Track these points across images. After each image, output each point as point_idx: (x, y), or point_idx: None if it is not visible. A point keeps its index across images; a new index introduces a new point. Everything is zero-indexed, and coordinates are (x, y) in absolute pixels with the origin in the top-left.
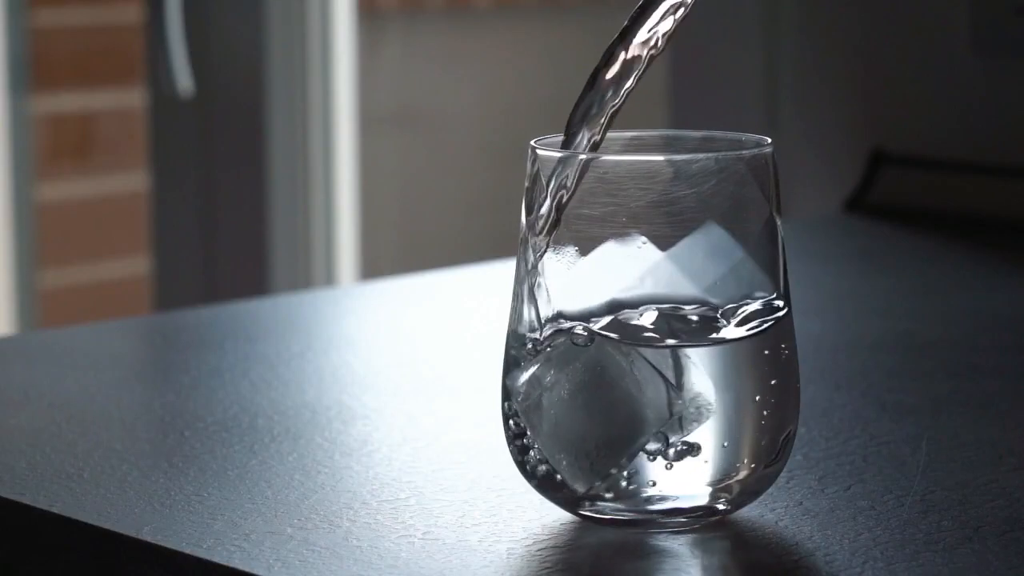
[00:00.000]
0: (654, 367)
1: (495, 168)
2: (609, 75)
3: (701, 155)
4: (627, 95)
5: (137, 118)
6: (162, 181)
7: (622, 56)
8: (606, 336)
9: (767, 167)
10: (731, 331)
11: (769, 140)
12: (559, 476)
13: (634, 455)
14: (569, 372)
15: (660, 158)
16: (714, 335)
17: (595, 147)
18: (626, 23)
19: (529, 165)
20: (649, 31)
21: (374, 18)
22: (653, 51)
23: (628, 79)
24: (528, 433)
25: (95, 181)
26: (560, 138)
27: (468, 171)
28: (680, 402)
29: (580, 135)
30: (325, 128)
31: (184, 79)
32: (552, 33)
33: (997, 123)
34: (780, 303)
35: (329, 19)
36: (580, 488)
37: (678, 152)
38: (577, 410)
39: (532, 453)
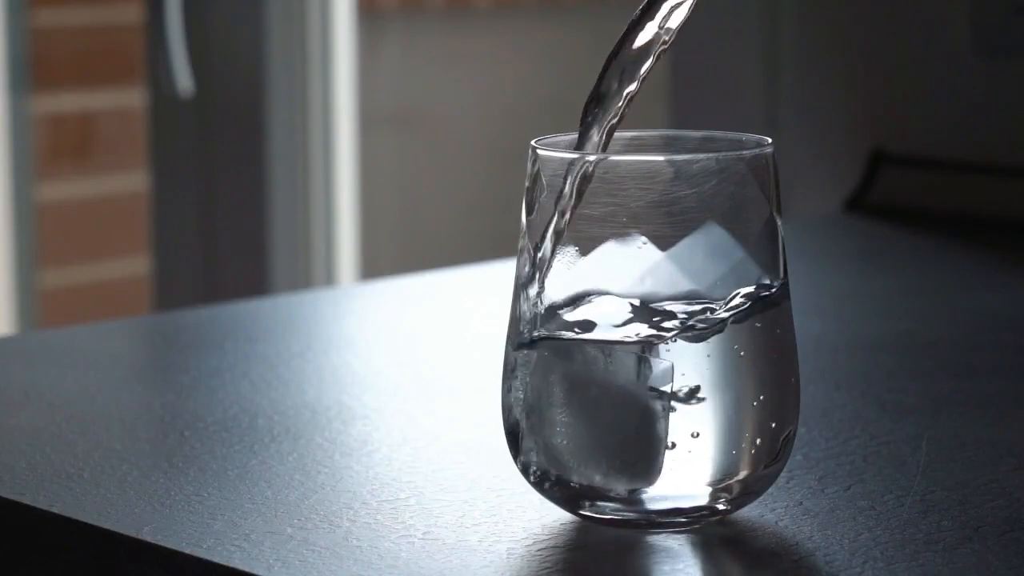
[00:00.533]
0: (637, 356)
1: (495, 168)
2: (625, 57)
3: (702, 155)
4: (642, 80)
5: (137, 118)
6: (162, 181)
7: (639, 39)
8: (598, 336)
9: (767, 167)
10: (722, 315)
11: (769, 140)
12: (597, 487)
13: (652, 431)
14: (565, 379)
15: (660, 158)
16: (706, 327)
17: (611, 132)
18: (640, 9)
19: (529, 165)
20: (662, 17)
21: (374, 18)
22: (666, 37)
23: (643, 63)
24: (547, 465)
25: (95, 181)
26: (560, 138)
27: (468, 171)
28: (651, 372)
29: (594, 130)
30: (325, 128)
31: (184, 79)
32: (552, 33)
33: (997, 123)
34: (776, 291)
35: (329, 19)
36: (623, 487)
37: (678, 152)
38: (582, 418)
39: (531, 464)
